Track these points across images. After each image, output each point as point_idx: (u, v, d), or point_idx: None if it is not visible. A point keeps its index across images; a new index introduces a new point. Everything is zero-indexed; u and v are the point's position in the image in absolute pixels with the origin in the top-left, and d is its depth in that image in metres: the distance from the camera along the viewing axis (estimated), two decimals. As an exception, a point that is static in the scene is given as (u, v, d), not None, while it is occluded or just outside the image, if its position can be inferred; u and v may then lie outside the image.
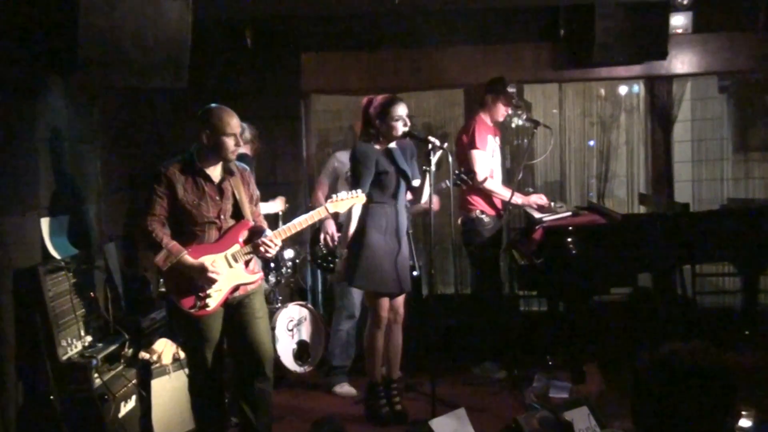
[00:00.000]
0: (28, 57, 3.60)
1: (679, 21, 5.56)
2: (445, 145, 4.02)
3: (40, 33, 3.47)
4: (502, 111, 5.02)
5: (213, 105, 3.57)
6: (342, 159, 4.95)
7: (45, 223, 3.78)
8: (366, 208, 4.11)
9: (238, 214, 3.59)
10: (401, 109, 4.09)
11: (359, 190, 3.87)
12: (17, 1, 3.50)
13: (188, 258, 3.42)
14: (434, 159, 4.01)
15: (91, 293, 3.89)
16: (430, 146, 3.99)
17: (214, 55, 5.41)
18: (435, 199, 4.53)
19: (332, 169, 5.03)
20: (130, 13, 3.55)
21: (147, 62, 3.70)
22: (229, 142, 3.47)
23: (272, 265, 4.95)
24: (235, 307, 3.60)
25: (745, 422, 2.94)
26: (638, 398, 1.86)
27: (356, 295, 4.81)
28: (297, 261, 5.22)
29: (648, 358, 1.86)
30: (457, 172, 4.51)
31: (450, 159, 4.08)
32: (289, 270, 5.14)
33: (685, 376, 1.77)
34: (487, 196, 4.98)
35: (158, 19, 3.71)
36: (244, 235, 3.59)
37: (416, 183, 4.25)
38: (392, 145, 4.20)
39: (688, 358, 1.80)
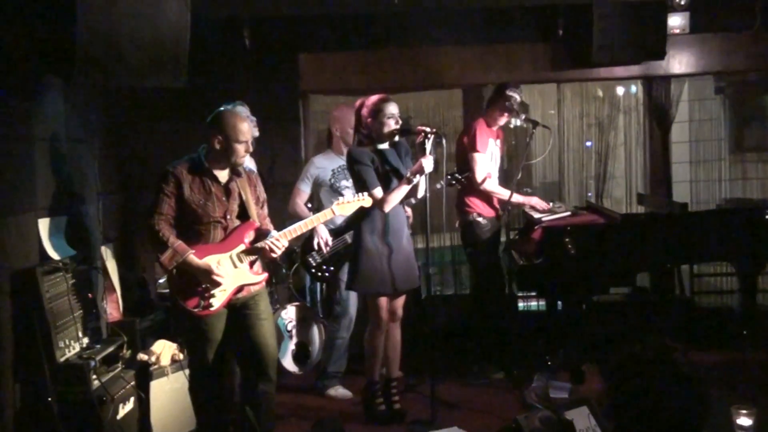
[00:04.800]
0: (26, 57, 3.58)
1: (676, 21, 5.57)
2: (434, 129, 4.04)
3: (39, 33, 3.46)
4: (498, 119, 4.97)
5: (223, 109, 3.59)
6: (320, 164, 4.87)
7: (43, 223, 3.76)
8: (360, 210, 4.03)
9: (244, 215, 3.59)
10: (393, 108, 4.13)
11: (365, 193, 3.90)
12: (15, 0, 3.49)
13: (194, 258, 3.42)
14: (429, 146, 4.01)
15: (89, 294, 3.87)
16: (422, 135, 4.02)
17: (212, 55, 5.38)
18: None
19: (312, 176, 4.86)
20: (128, 13, 3.54)
21: (145, 62, 3.69)
22: (240, 148, 3.50)
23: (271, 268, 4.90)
24: (239, 309, 3.59)
25: (745, 420, 2.94)
26: (615, 400, 1.86)
27: (352, 302, 4.79)
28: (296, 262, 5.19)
29: (620, 360, 1.86)
30: (451, 173, 4.49)
31: (443, 143, 4.08)
32: (289, 271, 5.12)
33: (661, 378, 1.78)
34: (485, 198, 4.96)
35: (156, 18, 3.70)
36: (249, 235, 3.58)
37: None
38: (384, 146, 4.20)
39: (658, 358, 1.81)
